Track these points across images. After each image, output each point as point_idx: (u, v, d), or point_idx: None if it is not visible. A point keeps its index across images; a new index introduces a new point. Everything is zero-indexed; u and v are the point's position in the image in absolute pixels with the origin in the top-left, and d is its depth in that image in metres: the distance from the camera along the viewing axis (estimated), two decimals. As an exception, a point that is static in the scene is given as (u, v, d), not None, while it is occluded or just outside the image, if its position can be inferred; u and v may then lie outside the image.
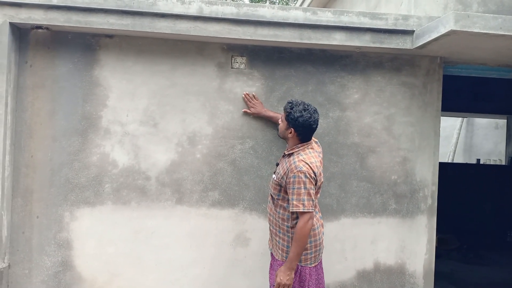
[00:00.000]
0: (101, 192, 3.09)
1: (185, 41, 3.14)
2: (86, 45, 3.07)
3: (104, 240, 3.10)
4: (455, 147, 11.22)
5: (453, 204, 6.89)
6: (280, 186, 2.58)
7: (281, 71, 3.26)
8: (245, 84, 3.24)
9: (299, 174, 2.45)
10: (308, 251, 2.59)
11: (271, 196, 2.68)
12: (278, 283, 2.50)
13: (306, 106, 2.58)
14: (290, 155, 2.60)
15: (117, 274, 3.12)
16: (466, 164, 9.58)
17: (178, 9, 2.94)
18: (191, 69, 3.18)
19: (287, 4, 15.97)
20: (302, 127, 2.55)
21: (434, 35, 2.90)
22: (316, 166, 2.54)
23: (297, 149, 2.59)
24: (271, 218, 2.69)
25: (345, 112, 3.31)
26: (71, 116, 3.06)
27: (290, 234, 2.58)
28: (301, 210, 2.45)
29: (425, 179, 3.39)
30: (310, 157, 2.55)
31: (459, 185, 7.20)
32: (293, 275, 2.50)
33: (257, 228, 3.24)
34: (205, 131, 3.20)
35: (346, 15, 3.08)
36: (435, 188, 3.42)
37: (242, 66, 3.24)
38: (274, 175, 2.66)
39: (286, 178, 2.51)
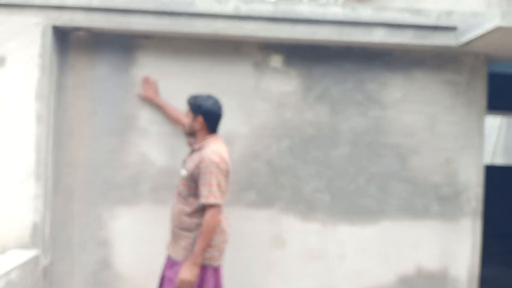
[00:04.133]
0: (139, 191, 3.12)
1: (222, 40, 3.13)
2: (125, 46, 3.11)
3: (142, 239, 3.13)
4: (495, 147, 10.80)
5: (494, 207, 6.63)
6: (191, 181, 2.46)
7: (318, 70, 3.21)
8: (281, 83, 3.20)
9: (211, 164, 2.38)
10: (215, 248, 2.48)
11: (179, 194, 2.53)
12: (180, 280, 2.35)
13: (209, 95, 2.58)
14: (200, 148, 2.50)
15: (154, 273, 3.13)
16: (507, 166, 9.21)
17: (215, 9, 2.93)
18: (227, 69, 3.17)
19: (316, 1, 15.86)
20: (210, 114, 2.51)
21: (479, 32, 2.79)
22: (228, 160, 2.48)
23: (206, 142, 2.51)
24: (175, 219, 2.54)
25: (386, 111, 3.23)
26: (111, 115, 3.10)
27: (196, 232, 2.45)
28: (211, 202, 2.35)
29: (469, 181, 3.26)
30: (221, 149, 2.50)
31: (499, 188, 6.93)
32: (197, 271, 2.37)
33: (294, 229, 3.20)
34: (241, 130, 3.19)
35: (387, 11, 3.01)
36: (480, 190, 3.28)
37: (279, 65, 3.21)
38: (183, 171, 2.52)
39: (198, 170, 2.41)
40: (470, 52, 3.23)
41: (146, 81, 3.09)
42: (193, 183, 2.47)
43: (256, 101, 3.19)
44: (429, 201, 3.24)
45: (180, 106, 3.13)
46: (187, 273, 2.36)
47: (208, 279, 2.48)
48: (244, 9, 2.94)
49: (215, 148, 2.46)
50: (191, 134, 2.61)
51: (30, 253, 2.83)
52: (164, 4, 2.90)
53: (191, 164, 2.49)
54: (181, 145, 3.13)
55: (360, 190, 3.22)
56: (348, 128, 3.22)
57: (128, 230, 3.12)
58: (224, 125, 3.16)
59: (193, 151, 2.58)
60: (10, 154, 2.91)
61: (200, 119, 2.52)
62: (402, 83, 3.24)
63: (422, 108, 3.24)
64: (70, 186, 3.09)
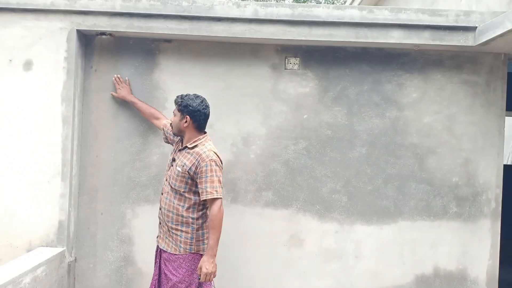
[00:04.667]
0: (161, 190, 3.19)
1: (240, 43, 3.19)
2: (146, 50, 3.20)
3: (163, 238, 3.21)
4: (515, 148, 10.57)
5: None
6: (188, 178, 2.56)
7: (335, 71, 3.24)
8: (298, 84, 3.24)
9: (211, 162, 2.52)
10: (206, 240, 2.62)
11: (174, 190, 2.60)
12: (205, 274, 2.48)
13: (196, 94, 2.67)
14: (194, 146, 2.60)
15: (174, 270, 3.21)
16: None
17: (234, 12, 2.99)
18: (245, 71, 3.22)
19: (333, 3, 15.78)
20: (197, 113, 2.59)
21: (500, 31, 2.78)
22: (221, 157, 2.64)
23: (199, 141, 2.62)
24: (170, 215, 2.61)
25: (403, 112, 3.23)
26: (133, 118, 3.19)
27: (195, 226, 2.60)
28: (215, 197, 2.50)
29: (488, 182, 3.24)
30: (214, 148, 2.63)
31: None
32: (215, 262, 2.52)
33: (311, 229, 3.23)
34: (259, 131, 3.24)
35: (404, 12, 3.02)
36: (499, 191, 3.26)
37: (296, 67, 3.24)
38: (178, 168, 2.58)
39: (196, 168, 2.53)
40: (489, 52, 3.21)
41: (118, 81, 3.15)
42: (190, 179, 2.57)
43: (273, 102, 3.23)
44: (447, 202, 3.23)
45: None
46: (209, 265, 2.49)
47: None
48: (262, 13, 2.99)
49: (210, 147, 2.61)
50: (179, 133, 2.70)
51: (56, 250, 2.95)
52: (184, 9, 2.97)
53: (186, 162, 2.58)
54: (201, 146, 3.21)
55: (377, 191, 3.23)
56: (365, 129, 3.23)
57: (150, 228, 3.17)
58: (242, 126, 3.22)
59: (183, 148, 2.66)
60: (38, 155, 3.02)
61: (187, 118, 2.61)
62: (419, 83, 3.24)
63: (440, 108, 3.24)
64: (94, 186, 3.19)
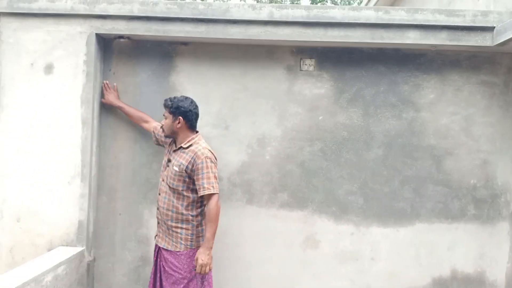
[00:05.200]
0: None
1: (255, 45, 3.21)
2: (163, 53, 3.24)
3: (180, 238, 3.24)
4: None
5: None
6: (186, 176, 2.67)
7: (351, 72, 3.24)
8: (313, 86, 3.25)
9: (206, 159, 2.64)
10: (202, 235, 2.73)
11: (172, 189, 2.72)
12: (200, 264, 2.59)
13: (185, 96, 2.81)
14: (189, 146, 2.71)
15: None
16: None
17: (250, 15, 3.01)
18: (261, 73, 3.24)
19: (349, 4, 15.71)
20: (189, 112, 2.72)
21: (518, 31, 2.74)
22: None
23: (193, 140, 2.74)
24: (170, 213, 2.73)
25: (420, 113, 3.21)
26: (151, 120, 3.23)
27: (195, 222, 2.72)
28: (212, 192, 2.61)
29: (507, 183, 3.20)
30: (208, 145, 2.76)
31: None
32: (211, 254, 2.62)
33: (327, 230, 3.23)
34: (274, 133, 3.25)
35: (421, 13, 3.00)
36: (518, 193, 3.22)
37: (311, 68, 3.25)
38: (175, 168, 2.70)
39: (192, 166, 2.64)
40: (507, 52, 3.17)
41: (106, 87, 3.20)
42: (187, 178, 2.69)
43: (289, 104, 3.25)
44: (465, 204, 3.20)
45: (216, 110, 3.23)
46: (205, 257, 2.61)
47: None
48: (278, 15, 3.01)
49: (204, 145, 2.74)
50: (172, 134, 2.80)
51: (76, 250, 3.00)
52: (201, 12, 3.01)
53: (182, 161, 2.69)
54: (218, 147, 3.23)
55: (394, 192, 3.21)
56: (382, 130, 3.22)
57: (166, 229, 3.24)
58: (258, 127, 3.24)
59: (178, 149, 2.77)
60: (58, 156, 3.08)
61: (180, 119, 2.72)
62: (436, 84, 3.21)
63: (457, 109, 3.21)
64: (113, 186, 3.24)
